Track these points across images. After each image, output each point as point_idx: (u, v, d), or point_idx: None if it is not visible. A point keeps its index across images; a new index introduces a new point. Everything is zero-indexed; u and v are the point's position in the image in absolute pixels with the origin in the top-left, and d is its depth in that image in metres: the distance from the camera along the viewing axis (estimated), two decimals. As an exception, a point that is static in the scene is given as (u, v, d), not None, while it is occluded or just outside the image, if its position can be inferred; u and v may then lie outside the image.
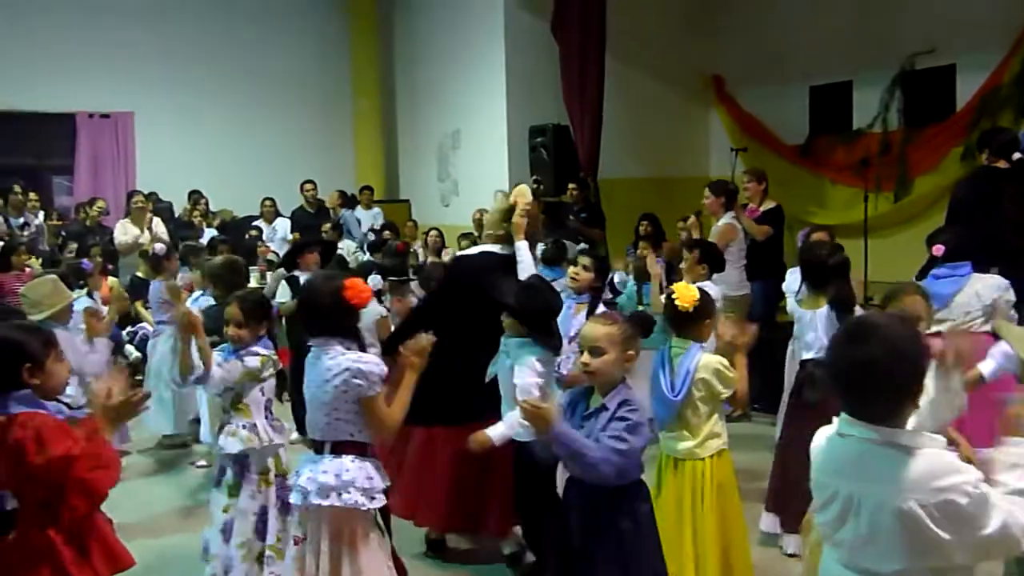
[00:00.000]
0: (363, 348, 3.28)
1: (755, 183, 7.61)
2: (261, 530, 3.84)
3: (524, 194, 4.54)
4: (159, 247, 7.00)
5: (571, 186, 9.86)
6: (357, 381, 3.11)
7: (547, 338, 3.96)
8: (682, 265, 5.78)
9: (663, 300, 3.97)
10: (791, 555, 4.49)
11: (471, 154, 11.74)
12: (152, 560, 4.46)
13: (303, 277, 6.11)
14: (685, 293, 3.75)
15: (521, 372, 3.87)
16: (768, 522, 4.68)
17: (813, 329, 4.51)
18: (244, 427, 3.86)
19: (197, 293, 6.30)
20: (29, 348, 2.82)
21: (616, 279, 7.39)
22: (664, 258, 7.51)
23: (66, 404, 3.00)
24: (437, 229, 10.17)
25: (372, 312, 5.60)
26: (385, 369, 3.20)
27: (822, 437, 2.28)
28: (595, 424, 3.01)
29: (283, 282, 6.45)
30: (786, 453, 4.52)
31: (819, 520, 2.29)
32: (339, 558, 3.14)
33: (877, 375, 2.06)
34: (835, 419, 2.22)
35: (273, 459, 3.93)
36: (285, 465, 3.94)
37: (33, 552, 2.65)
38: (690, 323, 3.75)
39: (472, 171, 11.68)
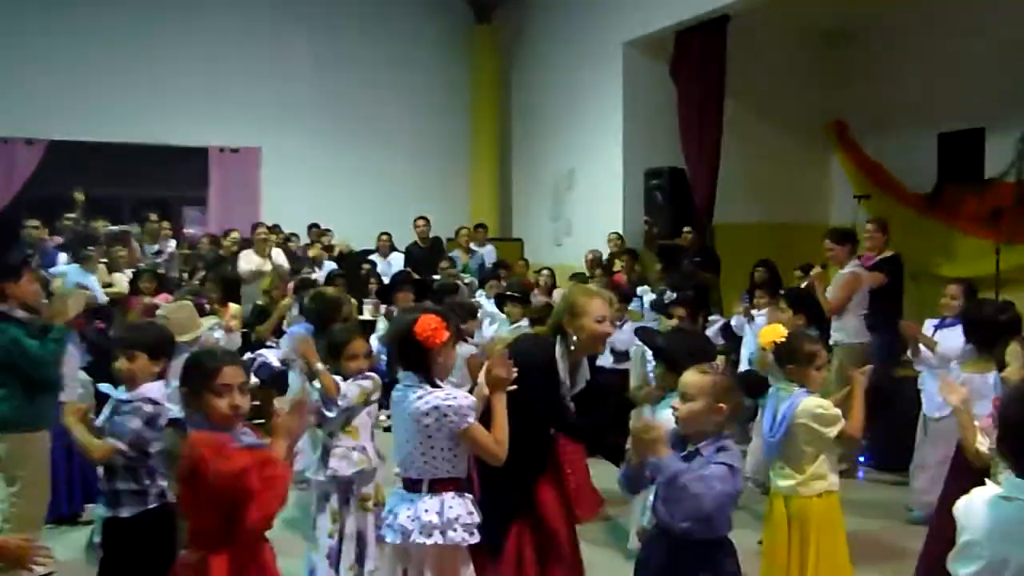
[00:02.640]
0: (433, 384, 3.18)
1: (879, 233, 7.38)
2: (360, 556, 3.89)
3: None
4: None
5: (686, 230, 9.76)
6: (448, 418, 3.10)
7: None
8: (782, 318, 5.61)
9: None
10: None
11: (585, 194, 11.77)
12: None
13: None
14: (769, 332, 3.72)
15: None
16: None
17: (985, 396, 4.11)
18: (355, 449, 3.94)
19: (298, 325, 6.47)
20: (187, 373, 2.91)
21: (734, 323, 7.26)
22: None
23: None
24: (549, 269, 10.20)
25: (462, 352, 5.62)
26: (473, 399, 3.19)
27: (979, 501, 2.15)
28: (691, 467, 2.94)
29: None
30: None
31: None
32: None
33: None
34: (989, 481, 2.14)
35: (373, 486, 3.99)
36: (382, 494, 4.00)
37: (196, 571, 2.71)
38: (796, 367, 3.77)
39: (586, 211, 11.71)
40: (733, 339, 7.17)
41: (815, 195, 11.74)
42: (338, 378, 4.07)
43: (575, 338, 3.64)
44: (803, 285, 7.51)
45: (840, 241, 7.06)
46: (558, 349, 3.63)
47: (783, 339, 3.83)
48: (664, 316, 5.87)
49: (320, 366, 4.11)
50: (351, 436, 4.00)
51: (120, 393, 3.61)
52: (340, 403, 4.01)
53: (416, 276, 9.41)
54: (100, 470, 3.68)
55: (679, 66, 10.54)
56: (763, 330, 3.86)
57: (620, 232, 10.58)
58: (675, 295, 6.42)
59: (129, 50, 12.22)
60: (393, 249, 11.47)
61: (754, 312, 6.82)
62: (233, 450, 2.74)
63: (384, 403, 4.31)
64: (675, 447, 3.07)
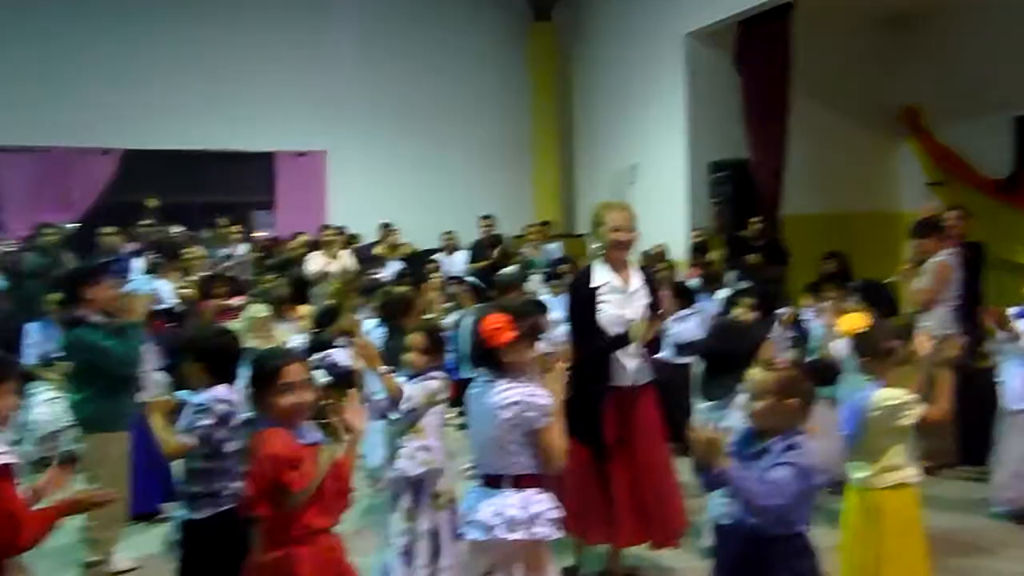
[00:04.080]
0: (510, 380, 3.21)
1: (962, 221, 7.16)
2: (434, 552, 3.91)
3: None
4: None
5: (752, 220, 9.62)
6: (529, 413, 3.11)
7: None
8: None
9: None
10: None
11: (649, 189, 11.68)
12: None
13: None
14: (849, 321, 3.64)
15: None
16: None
17: None
18: (422, 449, 3.96)
19: (373, 324, 6.54)
20: (254, 373, 2.96)
21: (803, 316, 7.12)
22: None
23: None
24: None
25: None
26: (552, 399, 3.18)
27: None
28: (760, 464, 2.92)
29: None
30: None
31: None
32: None
33: None
34: None
35: (446, 484, 4.01)
36: (455, 492, 4.02)
37: (279, 570, 2.78)
38: (872, 361, 3.70)
39: (650, 206, 11.56)
40: (801, 332, 7.03)
41: (884, 183, 11.46)
42: (402, 379, 4.08)
43: (602, 247, 4.34)
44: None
45: (927, 233, 6.85)
46: (596, 263, 4.34)
47: (863, 330, 3.74)
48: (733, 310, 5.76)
49: (382, 368, 4.12)
50: (418, 436, 4.02)
51: (192, 396, 3.71)
52: (402, 406, 4.02)
53: (480, 274, 9.45)
54: (179, 471, 3.78)
55: (743, 56, 10.40)
56: (843, 318, 3.76)
57: (689, 226, 10.47)
58: (742, 288, 6.34)
59: (198, 62, 12.49)
60: (457, 248, 11.54)
61: (822, 305, 6.66)
62: (292, 447, 2.79)
63: (454, 401, 4.34)
64: (748, 444, 3.04)
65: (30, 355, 7.21)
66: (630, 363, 4.36)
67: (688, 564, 4.77)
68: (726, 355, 3.92)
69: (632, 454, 4.33)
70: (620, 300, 4.33)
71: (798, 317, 7.00)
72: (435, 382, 4.05)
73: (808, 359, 6.19)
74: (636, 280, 4.43)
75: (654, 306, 4.46)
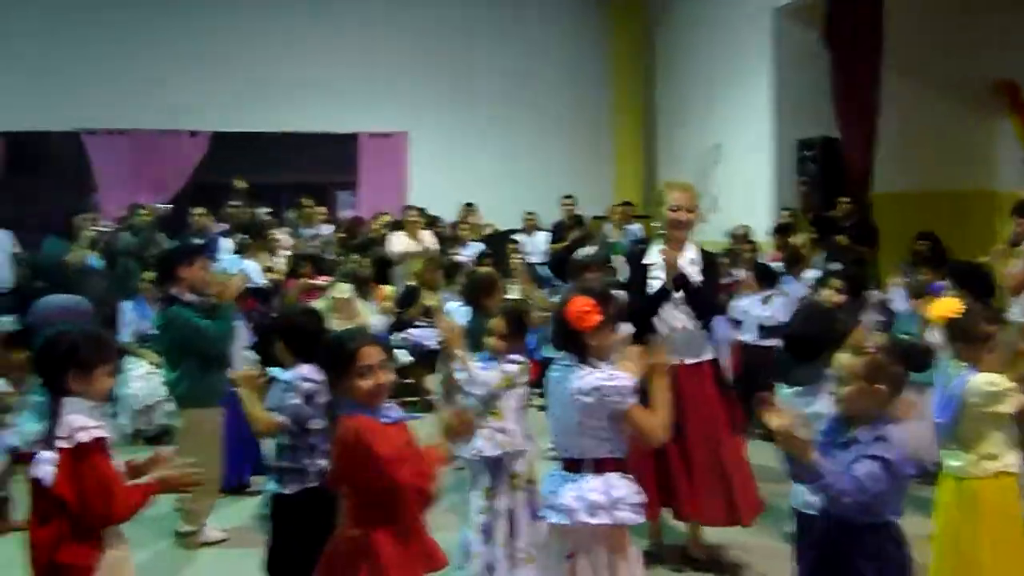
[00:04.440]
0: (590, 365, 3.16)
1: None
2: (512, 532, 3.94)
3: None
4: None
5: (842, 200, 9.38)
6: (610, 398, 3.07)
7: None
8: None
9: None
10: None
11: (733, 169, 11.47)
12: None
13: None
14: (941, 306, 3.51)
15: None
16: None
17: None
18: (499, 431, 3.98)
19: (455, 304, 6.58)
20: (328, 354, 2.97)
21: (893, 298, 6.93)
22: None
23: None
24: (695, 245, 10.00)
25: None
26: (634, 379, 3.13)
27: None
28: (847, 455, 2.85)
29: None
30: None
31: None
32: (618, 573, 3.13)
33: None
34: None
35: (524, 465, 4.02)
36: (533, 474, 4.03)
37: (358, 548, 2.80)
38: (967, 347, 3.56)
39: (734, 186, 11.41)
40: (892, 315, 6.84)
41: (979, 161, 11.01)
42: (481, 362, 4.09)
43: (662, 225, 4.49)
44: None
45: None
46: (657, 241, 4.49)
47: (957, 315, 3.61)
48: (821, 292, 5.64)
49: (460, 351, 4.13)
50: (496, 418, 4.02)
51: (281, 373, 3.79)
52: (476, 389, 4.03)
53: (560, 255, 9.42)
54: (268, 446, 3.87)
55: (834, 30, 10.12)
56: (935, 303, 3.63)
57: (775, 206, 10.27)
58: (831, 269, 6.19)
59: (285, 47, 12.71)
60: (537, 228, 11.52)
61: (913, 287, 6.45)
62: (391, 434, 2.81)
63: (535, 383, 4.34)
64: (836, 432, 2.98)
65: (125, 333, 7.47)
66: (678, 336, 4.34)
67: (771, 546, 4.72)
68: (812, 339, 3.84)
69: (683, 433, 4.25)
70: None
71: (888, 300, 6.82)
72: (513, 365, 4.03)
73: (899, 343, 6.03)
74: (689, 256, 4.45)
75: (706, 284, 4.45)
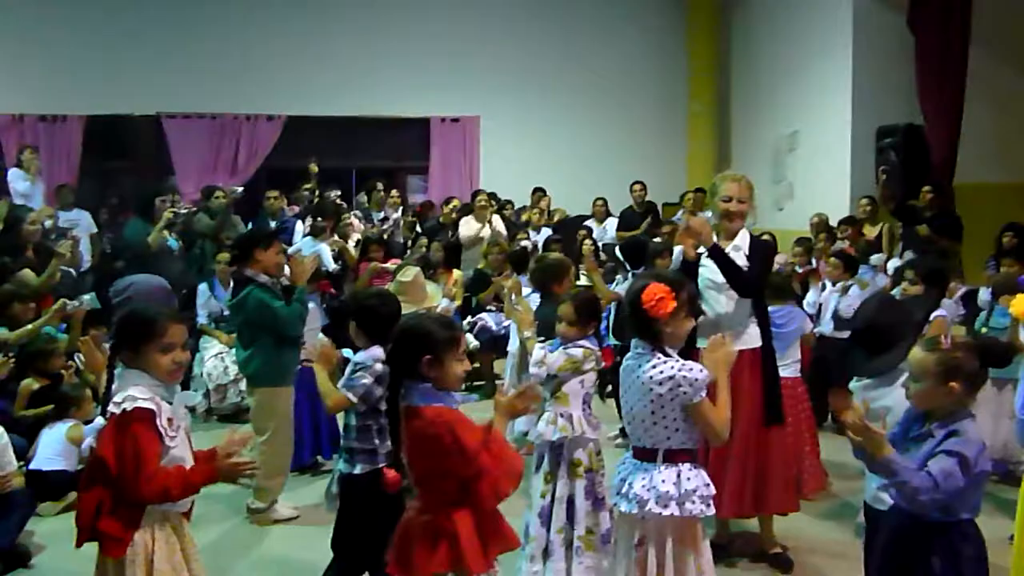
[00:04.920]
0: (664, 354, 3.10)
1: None
2: (571, 518, 3.92)
3: None
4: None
5: (925, 189, 9.11)
6: (683, 389, 3.02)
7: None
8: None
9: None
10: None
11: (809, 156, 11.23)
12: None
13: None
14: (1021, 302, 3.38)
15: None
16: None
17: None
18: (562, 416, 3.97)
19: (526, 290, 6.57)
20: (433, 340, 2.87)
21: (980, 293, 6.72)
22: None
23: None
24: (770, 234, 9.81)
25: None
26: (708, 373, 3.07)
27: None
28: (922, 450, 2.79)
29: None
30: None
31: None
32: (685, 564, 3.08)
33: None
34: None
35: (586, 452, 3.99)
36: (596, 461, 4.00)
37: (437, 527, 2.81)
38: None
39: (810, 174, 11.17)
40: (977, 309, 6.63)
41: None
42: (547, 346, 4.07)
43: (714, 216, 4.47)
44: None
45: None
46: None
47: None
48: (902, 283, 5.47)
49: (528, 333, 4.15)
50: (561, 402, 4.01)
51: (354, 355, 3.83)
52: (538, 370, 4.00)
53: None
54: (340, 426, 3.92)
55: (918, 14, 9.81)
56: (1017, 299, 3.51)
57: (853, 195, 10.04)
58: (909, 260, 6.01)
59: (357, 33, 12.81)
60: (608, 215, 11.44)
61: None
62: (473, 424, 2.82)
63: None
64: (912, 426, 2.91)
65: (201, 313, 7.64)
66: (721, 321, 4.25)
67: (842, 540, 4.65)
68: (880, 330, 3.74)
69: None
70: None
71: (973, 293, 6.62)
72: (579, 350, 3.99)
73: (978, 338, 5.84)
74: (738, 244, 4.39)
75: (752, 262, 4.37)
